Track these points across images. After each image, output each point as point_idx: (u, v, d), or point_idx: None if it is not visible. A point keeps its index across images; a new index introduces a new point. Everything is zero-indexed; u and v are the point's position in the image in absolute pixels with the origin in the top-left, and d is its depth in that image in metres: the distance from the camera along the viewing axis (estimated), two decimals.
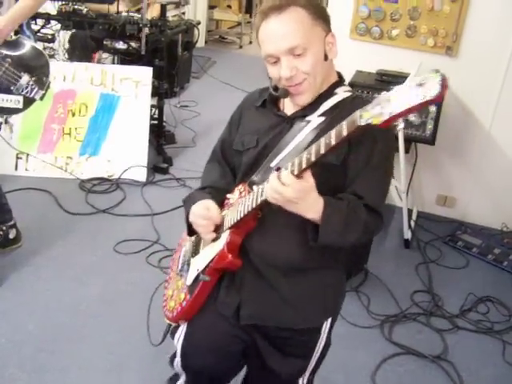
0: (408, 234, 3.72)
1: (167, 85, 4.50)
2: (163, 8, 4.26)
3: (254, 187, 1.61)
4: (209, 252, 1.76)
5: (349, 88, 1.75)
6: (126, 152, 4.19)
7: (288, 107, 1.75)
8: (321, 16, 1.64)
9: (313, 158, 1.39)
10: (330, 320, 1.80)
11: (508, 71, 3.71)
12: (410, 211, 3.86)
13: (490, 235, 3.89)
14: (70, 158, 4.19)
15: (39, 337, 2.69)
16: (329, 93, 1.69)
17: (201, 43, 7.93)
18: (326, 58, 1.65)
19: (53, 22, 4.22)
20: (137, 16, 4.22)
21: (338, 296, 1.85)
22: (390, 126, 1.29)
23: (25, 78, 2.69)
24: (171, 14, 5.78)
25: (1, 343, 2.64)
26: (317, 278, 1.73)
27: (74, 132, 4.21)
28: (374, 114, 1.27)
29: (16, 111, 2.78)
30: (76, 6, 4.04)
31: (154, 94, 4.31)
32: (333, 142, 1.35)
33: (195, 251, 1.87)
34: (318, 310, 1.77)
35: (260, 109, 1.81)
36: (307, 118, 1.67)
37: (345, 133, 1.33)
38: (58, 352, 2.61)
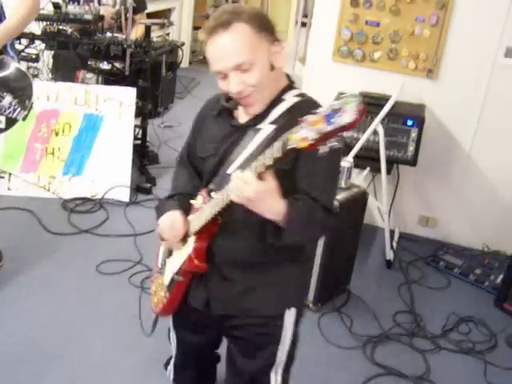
0: (390, 255, 3.74)
1: (151, 105, 4.51)
2: (147, 29, 4.30)
3: (213, 194, 1.73)
4: (180, 255, 1.89)
5: (298, 91, 1.82)
6: (109, 172, 4.18)
7: (242, 116, 1.83)
8: (264, 28, 1.70)
9: (268, 162, 1.47)
10: (293, 311, 1.88)
11: (487, 93, 3.78)
12: (392, 232, 3.89)
13: (472, 256, 3.92)
14: (53, 177, 4.18)
15: (19, 356, 2.66)
16: (278, 99, 1.77)
17: (185, 64, 7.97)
18: (272, 68, 1.72)
19: (37, 42, 4.22)
20: (121, 37, 4.24)
21: (299, 286, 1.97)
22: (316, 148, 1.37)
23: (7, 99, 2.69)
24: (155, 34, 5.80)
25: None
26: (276, 270, 1.84)
27: (57, 152, 4.20)
28: (299, 137, 1.36)
29: None
30: (61, 26, 4.06)
31: (137, 115, 4.33)
32: (268, 163, 1.46)
33: (169, 252, 2.00)
34: (280, 298, 1.87)
35: (217, 117, 1.89)
36: (259, 126, 1.75)
37: (278, 154, 1.43)
38: (38, 373, 2.58)
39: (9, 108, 2.71)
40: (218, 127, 1.87)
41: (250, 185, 1.50)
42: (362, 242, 3.42)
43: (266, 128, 1.73)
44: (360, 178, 3.67)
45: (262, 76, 1.69)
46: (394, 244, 3.89)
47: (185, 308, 1.96)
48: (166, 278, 1.98)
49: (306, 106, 1.67)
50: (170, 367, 2.29)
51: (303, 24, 7.63)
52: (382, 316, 3.21)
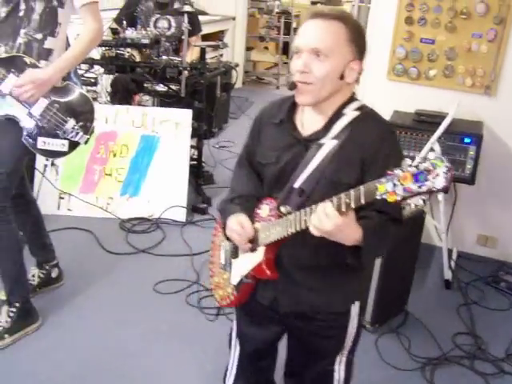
0: (448, 275, 3.67)
1: (206, 126, 4.57)
2: (203, 51, 4.36)
3: (282, 209, 1.80)
4: (248, 260, 1.95)
5: (358, 104, 1.84)
6: (165, 192, 4.24)
7: (304, 126, 1.87)
8: (357, 42, 1.78)
9: (352, 204, 1.54)
10: (357, 304, 1.96)
11: None
12: (450, 251, 3.81)
13: None
14: (111, 198, 4.27)
15: (78, 376, 2.70)
16: (339, 114, 1.81)
17: (238, 84, 8.05)
18: (342, 77, 1.77)
19: (96, 66, 4.34)
20: (177, 59, 4.32)
21: (362, 282, 2.06)
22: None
23: (70, 123, 2.76)
24: (210, 55, 5.89)
25: (41, 380, 2.66)
26: (340, 270, 1.85)
27: (115, 173, 4.29)
28: (388, 190, 1.42)
29: (61, 154, 2.84)
30: (119, 51, 4.16)
31: (193, 135, 4.38)
32: (352, 204, 1.53)
33: (235, 253, 2.04)
34: (345, 296, 1.94)
35: (278, 126, 1.93)
36: (321, 141, 1.79)
37: (362, 200, 1.50)
38: None
39: (72, 132, 2.78)
40: (279, 136, 1.91)
41: (331, 219, 1.56)
42: (419, 261, 3.37)
43: (329, 143, 1.77)
44: (416, 197, 3.62)
45: (328, 74, 1.74)
46: (453, 263, 3.81)
47: (251, 303, 2.01)
48: (234, 278, 2.04)
49: (366, 122, 1.78)
50: (228, 374, 2.28)
51: None
52: (441, 337, 3.14)
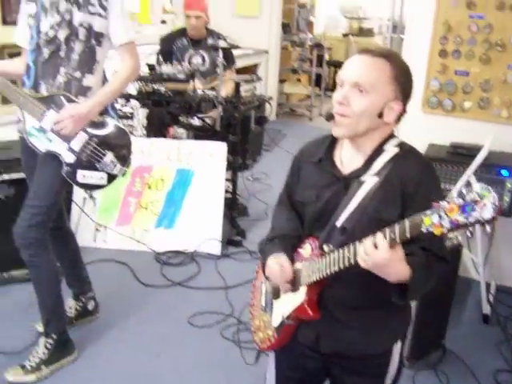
0: (487, 309, 3.60)
1: (240, 159, 4.60)
2: (237, 85, 4.41)
3: (325, 247, 1.80)
4: (290, 300, 1.94)
5: (397, 141, 1.84)
6: (200, 225, 4.27)
7: (343, 164, 1.88)
8: (400, 82, 1.77)
9: (398, 238, 1.53)
10: (399, 343, 1.94)
11: None
12: (488, 285, 3.74)
13: None
14: (147, 230, 4.30)
15: None
16: (379, 150, 1.81)
17: (272, 116, 8.09)
18: (380, 115, 1.77)
19: (132, 101, 4.42)
20: (212, 94, 4.37)
21: (404, 322, 2.00)
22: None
23: (109, 156, 2.81)
24: (243, 88, 5.93)
25: None
26: (383, 310, 1.85)
27: (150, 205, 4.34)
28: (434, 222, 1.41)
29: (100, 187, 2.89)
30: (155, 86, 4.23)
31: (227, 168, 4.41)
32: (398, 239, 1.52)
33: (276, 294, 2.03)
34: (388, 335, 1.92)
35: (317, 164, 1.93)
36: (362, 178, 1.79)
37: (408, 234, 1.49)
38: None
39: (110, 165, 2.83)
40: (319, 175, 1.92)
41: (380, 251, 1.55)
42: (456, 295, 3.32)
43: (370, 180, 1.77)
44: (463, 229, 3.58)
45: (366, 110, 1.75)
46: (491, 297, 3.74)
47: (291, 343, 1.99)
48: (275, 320, 2.02)
49: (407, 159, 1.79)
50: None
51: None
52: (481, 374, 3.07)
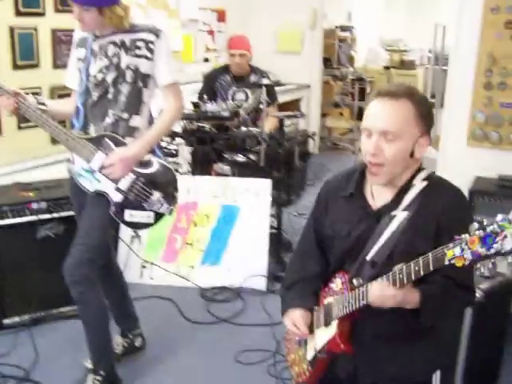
0: None
1: (285, 195, 4.61)
2: (281, 122, 4.45)
3: (355, 281, 1.84)
4: (322, 334, 1.97)
5: (425, 174, 1.90)
6: (246, 261, 4.28)
7: (374, 198, 1.93)
8: (424, 118, 1.83)
9: (406, 279, 1.64)
10: (438, 373, 1.94)
11: None
12: None
13: None
14: (192, 267, 4.33)
15: None
16: (409, 185, 1.87)
17: (314, 150, 8.11)
18: (412, 154, 1.81)
19: (177, 138, 4.49)
20: (255, 130, 4.42)
21: (442, 351, 2.00)
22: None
23: (156, 195, 2.86)
24: (286, 123, 5.97)
25: None
26: (420, 337, 1.88)
27: (196, 242, 4.37)
28: (456, 254, 1.47)
29: (147, 226, 2.93)
30: (199, 124, 4.30)
31: (272, 204, 4.42)
32: (421, 272, 1.59)
33: (310, 329, 2.04)
34: (425, 365, 1.93)
35: (348, 199, 1.98)
36: (393, 213, 1.84)
37: (431, 267, 1.55)
38: None
39: (157, 204, 2.87)
40: (350, 209, 1.96)
41: (393, 296, 1.67)
42: (509, 332, 3.24)
43: (400, 215, 1.81)
44: (504, 265, 3.51)
45: (399, 155, 1.80)
46: None
47: (327, 376, 2.01)
48: (309, 354, 2.05)
49: (436, 192, 1.84)
50: None
51: None
52: None
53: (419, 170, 1.90)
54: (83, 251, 2.83)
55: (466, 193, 3.58)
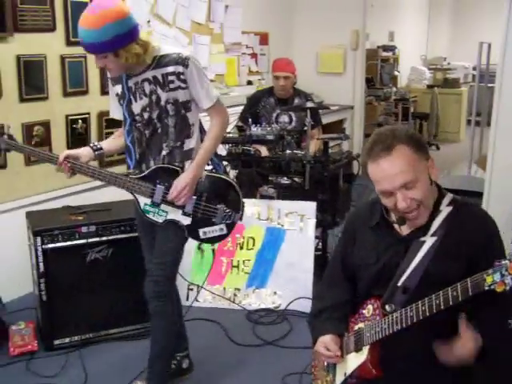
0: None
1: (330, 217, 4.61)
2: (326, 144, 4.46)
3: (387, 308, 1.87)
4: (353, 360, 1.99)
5: (449, 199, 1.95)
6: (291, 283, 4.28)
7: (402, 226, 1.97)
8: (420, 147, 1.89)
9: (443, 304, 1.66)
10: None
11: None
12: None
13: None
14: (238, 289, 4.35)
15: None
16: (435, 210, 1.92)
17: (358, 172, 8.07)
18: (431, 182, 1.91)
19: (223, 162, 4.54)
20: (300, 153, 4.44)
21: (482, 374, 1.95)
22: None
23: (221, 209, 2.96)
24: (330, 144, 5.99)
25: None
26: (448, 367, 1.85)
27: (241, 265, 4.40)
28: (496, 280, 1.49)
29: (223, 237, 3.07)
30: (245, 147, 4.34)
31: (317, 226, 4.43)
32: (460, 298, 1.61)
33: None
34: None
35: (374, 228, 2.04)
36: (422, 239, 1.88)
37: (470, 292, 1.57)
38: None
39: (225, 216, 2.97)
40: (377, 238, 2.02)
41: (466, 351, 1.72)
42: None
43: (429, 240, 1.87)
44: None
45: (426, 190, 1.86)
46: None
47: None
48: (338, 379, 2.07)
49: (461, 214, 1.89)
50: None
51: (477, 123, 7.52)
52: None
53: (441, 194, 1.96)
54: (161, 269, 2.95)
55: None
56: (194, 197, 2.92)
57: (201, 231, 2.96)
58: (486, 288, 1.50)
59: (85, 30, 2.63)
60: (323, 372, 2.20)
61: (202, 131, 3.04)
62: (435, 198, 1.94)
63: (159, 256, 2.97)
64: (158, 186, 2.89)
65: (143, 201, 2.92)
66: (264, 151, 4.62)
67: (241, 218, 3.04)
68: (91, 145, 3.01)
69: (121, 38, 2.64)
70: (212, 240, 3.05)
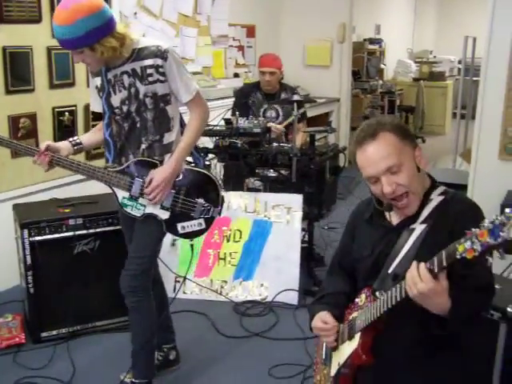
0: None
1: (316, 209, 4.64)
2: (312, 137, 4.49)
3: (377, 294, 1.90)
4: (346, 349, 2.02)
5: (441, 189, 2.00)
6: (278, 276, 4.30)
7: (393, 217, 2.03)
8: (406, 135, 1.96)
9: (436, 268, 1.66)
10: None
11: None
12: None
13: None
14: (225, 281, 4.37)
15: None
16: (426, 199, 1.96)
17: (344, 164, 8.10)
18: (418, 169, 1.94)
19: (210, 155, 4.55)
20: (287, 146, 4.46)
21: (470, 360, 2.00)
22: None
23: (200, 202, 2.93)
24: (316, 137, 6.02)
25: None
26: (444, 349, 1.89)
27: (228, 257, 4.41)
28: (466, 248, 1.52)
29: (202, 232, 3.02)
30: (232, 140, 4.35)
31: (303, 218, 4.45)
32: (436, 269, 1.64)
33: (335, 346, 2.11)
34: (450, 376, 1.92)
35: (369, 221, 2.11)
36: (411, 227, 1.93)
37: (445, 263, 1.61)
38: None
39: (204, 210, 2.94)
40: (372, 229, 2.08)
41: (424, 282, 1.66)
42: None
43: (418, 228, 1.91)
44: (494, 250, 3.48)
45: (411, 176, 1.90)
46: None
47: None
48: (333, 370, 2.09)
49: (452, 203, 1.92)
50: None
51: (462, 116, 7.57)
52: None
53: (434, 185, 2.01)
54: (138, 263, 2.93)
55: (497, 207, 3.59)
56: (173, 191, 2.90)
57: (179, 226, 2.93)
58: (458, 257, 1.54)
59: (58, 27, 2.59)
60: (321, 366, 2.23)
61: (183, 125, 3.01)
62: (426, 187, 1.99)
63: (136, 250, 2.96)
64: (136, 179, 2.86)
65: (121, 194, 2.89)
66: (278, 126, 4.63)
67: (219, 213, 3.02)
68: (70, 139, 2.97)
69: (95, 32, 2.60)
70: (190, 235, 3.01)
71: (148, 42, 2.83)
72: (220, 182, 4.59)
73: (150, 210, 2.90)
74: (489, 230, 1.46)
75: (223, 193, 3.05)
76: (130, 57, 2.79)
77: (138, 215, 2.91)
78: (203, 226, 2.98)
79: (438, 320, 1.77)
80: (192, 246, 3.24)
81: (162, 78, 2.81)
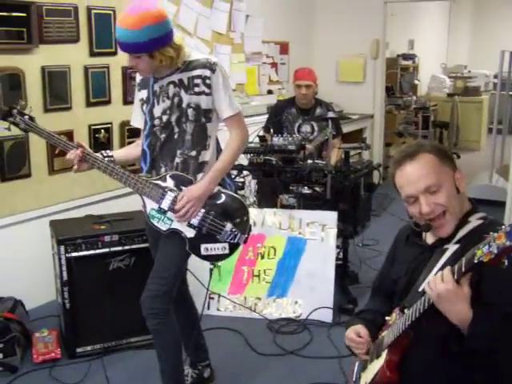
0: None
1: (351, 226, 4.61)
2: (347, 154, 4.47)
3: (406, 310, 1.89)
4: (373, 367, 2.01)
5: (482, 214, 1.99)
6: (312, 293, 4.28)
7: (429, 237, 2.04)
8: (446, 157, 1.96)
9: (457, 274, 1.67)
10: None
11: None
12: None
13: None
14: (259, 298, 4.36)
15: None
16: (463, 221, 1.95)
17: (379, 181, 8.05)
18: (458, 191, 1.94)
19: (244, 171, 4.55)
20: (321, 163, 4.45)
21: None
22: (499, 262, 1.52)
23: (228, 226, 2.89)
24: (350, 153, 6.00)
25: None
26: (472, 368, 1.83)
27: (262, 274, 4.40)
28: (484, 251, 1.52)
29: (224, 257, 2.96)
30: (266, 157, 4.36)
31: (337, 235, 4.43)
32: (456, 276, 1.65)
33: (364, 366, 2.13)
34: None
35: (407, 241, 2.15)
36: (445, 246, 1.92)
37: (463, 269, 1.62)
38: None
39: (230, 235, 2.89)
40: (408, 249, 2.11)
41: (445, 282, 1.67)
42: None
43: (451, 248, 1.90)
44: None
45: (450, 196, 1.90)
46: None
47: None
48: None
49: (489, 226, 1.84)
50: None
51: (498, 131, 7.45)
52: None
53: (474, 210, 2.00)
54: (160, 284, 2.88)
55: None
56: (203, 210, 2.85)
57: (203, 247, 2.88)
58: (476, 261, 1.54)
59: (123, 30, 2.67)
60: None
61: (219, 149, 3.01)
62: (465, 210, 1.97)
63: (159, 270, 2.92)
64: (169, 192, 2.84)
65: (150, 205, 2.87)
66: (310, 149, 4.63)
67: (245, 241, 2.96)
68: (102, 151, 2.99)
69: (157, 41, 2.68)
70: (212, 258, 2.95)
71: (198, 56, 2.89)
72: (254, 203, 4.63)
73: (176, 225, 2.86)
74: (506, 232, 1.47)
75: (252, 222, 3.01)
76: (180, 68, 2.84)
77: (164, 229, 2.87)
78: (227, 250, 2.92)
79: (457, 336, 1.75)
80: (211, 270, 3.21)
81: (207, 91, 2.83)
